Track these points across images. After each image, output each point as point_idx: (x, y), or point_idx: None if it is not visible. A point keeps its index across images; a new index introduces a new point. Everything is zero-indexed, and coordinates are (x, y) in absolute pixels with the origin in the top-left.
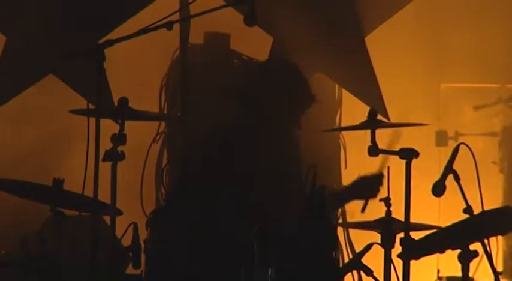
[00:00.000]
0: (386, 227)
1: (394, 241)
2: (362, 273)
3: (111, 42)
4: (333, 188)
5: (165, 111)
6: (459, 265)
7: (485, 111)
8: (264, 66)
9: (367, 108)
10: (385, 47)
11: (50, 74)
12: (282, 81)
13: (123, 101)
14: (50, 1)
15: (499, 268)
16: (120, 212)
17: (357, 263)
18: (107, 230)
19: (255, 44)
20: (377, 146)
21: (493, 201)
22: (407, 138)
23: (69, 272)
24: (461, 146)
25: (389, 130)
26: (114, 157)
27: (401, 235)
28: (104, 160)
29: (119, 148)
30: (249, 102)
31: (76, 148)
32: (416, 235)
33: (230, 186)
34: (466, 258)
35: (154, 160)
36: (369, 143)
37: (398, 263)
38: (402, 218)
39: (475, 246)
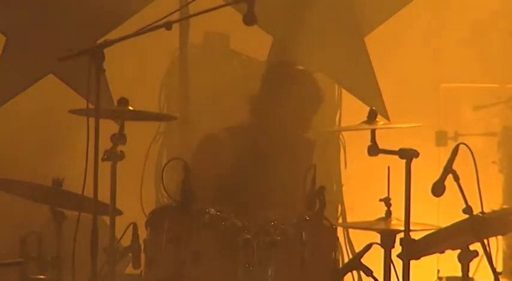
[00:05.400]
0: (386, 227)
1: (394, 241)
2: (362, 273)
3: (110, 42)
4: None
5: (165, 111)
6: (459, 265)
7: (485, 112)
8: (269, 71)
9: (367, 108)
10: (385, 47)
11: (50, 74)
12: (290, 82)
13: (123, 101)
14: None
15: (499, 268)
16: (119, 212)
17: (356, 264)
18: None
19: (254, 44)
20: (377, 146)
21: (493, 201)
22: (407, 139)
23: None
24: (461, 146)
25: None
26: (114, 156)
27: (401, 235)
28: (103, 159)
29: (119, 148)
30: (262, 111)
31: (76, 147)
32: (416, 235)
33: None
34: (465, 258)
35: (154, 160)
36: (369, 143)
37: (398, 263)
38: (402, 218)
39: (475, 246)
